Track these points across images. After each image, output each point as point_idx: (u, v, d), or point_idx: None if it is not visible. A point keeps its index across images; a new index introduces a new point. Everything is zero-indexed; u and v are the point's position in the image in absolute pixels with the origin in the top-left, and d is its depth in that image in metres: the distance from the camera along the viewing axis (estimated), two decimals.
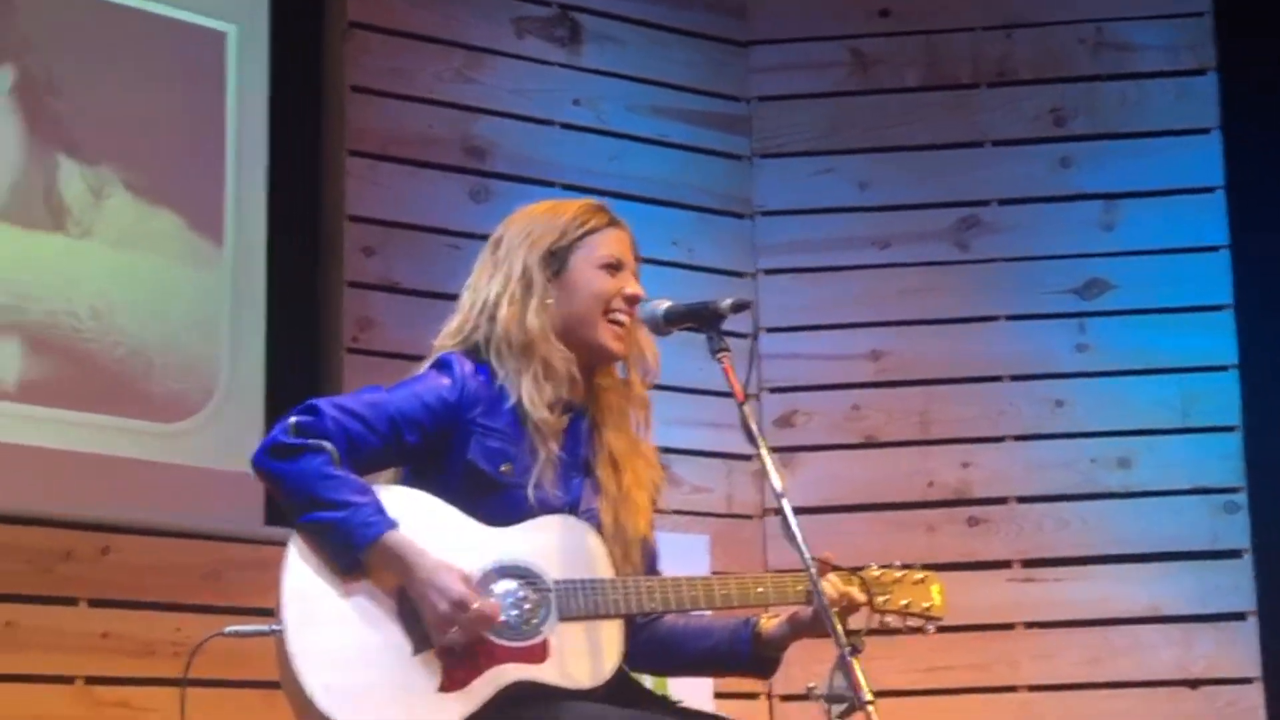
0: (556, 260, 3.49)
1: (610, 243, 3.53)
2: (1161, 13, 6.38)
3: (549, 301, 3.47)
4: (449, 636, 3.20)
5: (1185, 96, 6.32)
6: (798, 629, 3.45)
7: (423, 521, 3.28)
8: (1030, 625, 6.04)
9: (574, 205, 3.59)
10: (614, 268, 3.51)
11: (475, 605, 3.20)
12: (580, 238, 3.51)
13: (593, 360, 3.52)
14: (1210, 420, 6.11)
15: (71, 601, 5.09)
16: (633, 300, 3.51)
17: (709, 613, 3.57)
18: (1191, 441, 6.11)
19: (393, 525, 3.24)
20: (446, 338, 3.56)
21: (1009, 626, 6.03)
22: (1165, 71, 6.36)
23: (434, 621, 3.20)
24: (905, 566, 3.55)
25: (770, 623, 3.48)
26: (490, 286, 3.52)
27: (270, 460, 3.30)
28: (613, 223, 3.57)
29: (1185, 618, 6.00)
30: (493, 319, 3.48)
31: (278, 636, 3.20)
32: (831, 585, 3.36)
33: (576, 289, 3.49)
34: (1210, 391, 6.12)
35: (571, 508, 3.42)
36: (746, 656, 3.51)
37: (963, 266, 6.30)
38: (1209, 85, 6.32)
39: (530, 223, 3.55)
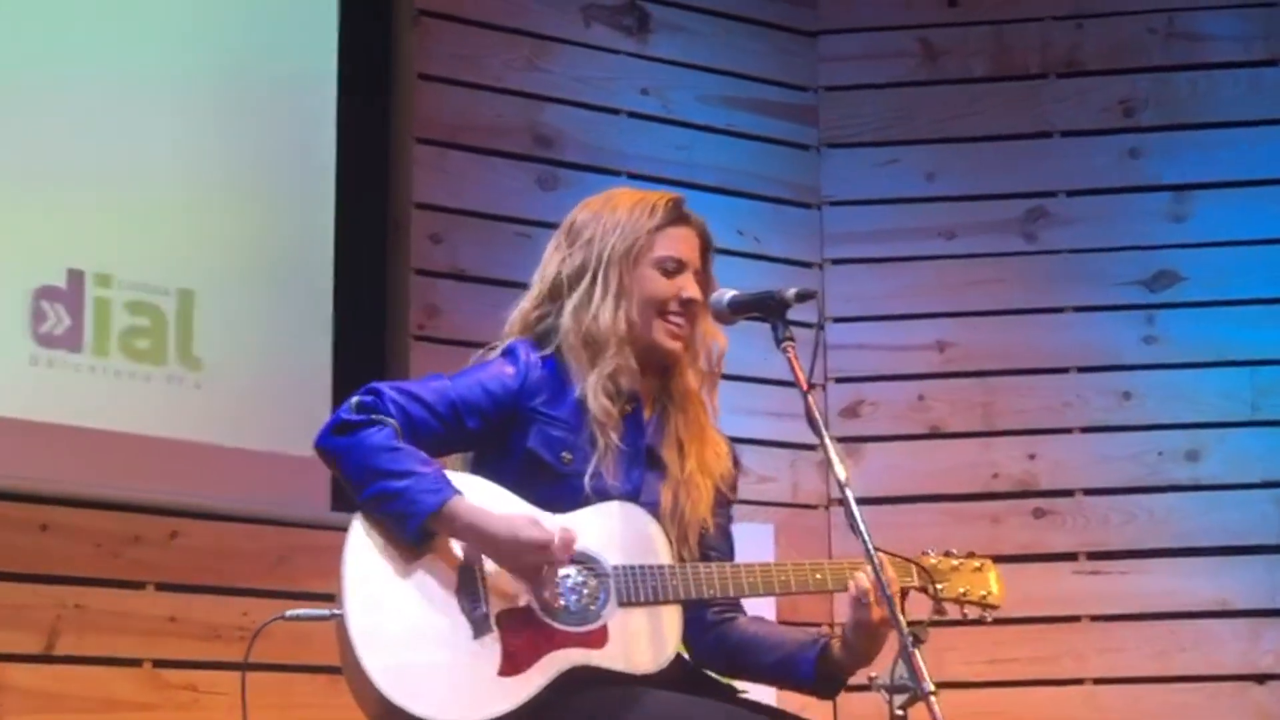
0: (633, 261, 3.50)
1: (671, 242, 3.53)
2: (1232, 3, 6.33)
3: (624, 300, 3.48)
4: (539, 580, 3.23)
5: (1256, 87, 6.28)
6: (852, 645, 3.39)
7: (482, 503, 3.30)
8: (1096, 618, 6.01)
9: (649, 200, 3.57)
10: (671, 270, 3.51)
11: (555, 542, 3.22)
12: (648, 236, 3.52)
13: (652, 358, 3.53)
14: None
15: (139, 585, 5.13)
16: (688, 304, 3.51)
17: (773, 615, 3.56)
18: (1261, 434, 6.06)
19: (458, 492, 3.26)
20: (513, 325, 3.57)
21: (1075, 619, 6.00)
22: (1236, 62, 6.32)
23: (520, 573, 3.24)
24: (965, 554, 3.54)
25: (837, 646, 3.45)
26: (562, 273, 3.53)
27: (332, 438, 3.33)
28: (678, 220, 3.55)
29: (1253, 612, 5.96)
30: (563, 309, 3.50)
31: (338, 620, 3.22)
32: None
33: (636, 290, 3.50)
34: None
35: (631, 497, 3.43)
36: (810, 676, 3.47)
37: (1030, 258, 6.27)
38: None
39: (611, 215, 3.55)
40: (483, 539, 3.26)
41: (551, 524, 3.27)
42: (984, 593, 3.52)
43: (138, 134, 5.31)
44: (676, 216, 3.55)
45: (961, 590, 3.50)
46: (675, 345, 3.52)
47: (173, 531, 5.19)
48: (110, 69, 5.29)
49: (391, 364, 5.68)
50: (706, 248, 3.59)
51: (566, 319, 3.49)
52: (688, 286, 3.52)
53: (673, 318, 3.51)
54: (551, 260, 3.58)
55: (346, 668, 3.24)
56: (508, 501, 3.34)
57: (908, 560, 3.46)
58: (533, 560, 3.23)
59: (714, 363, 3.62)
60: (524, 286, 3.63)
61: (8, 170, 5.08)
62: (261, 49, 5.60)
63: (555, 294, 3.54)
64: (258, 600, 5.18)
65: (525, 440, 3.42)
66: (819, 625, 5.61)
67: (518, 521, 3.25)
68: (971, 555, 3.54)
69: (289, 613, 3.45)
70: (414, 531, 3.25)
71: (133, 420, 5.16)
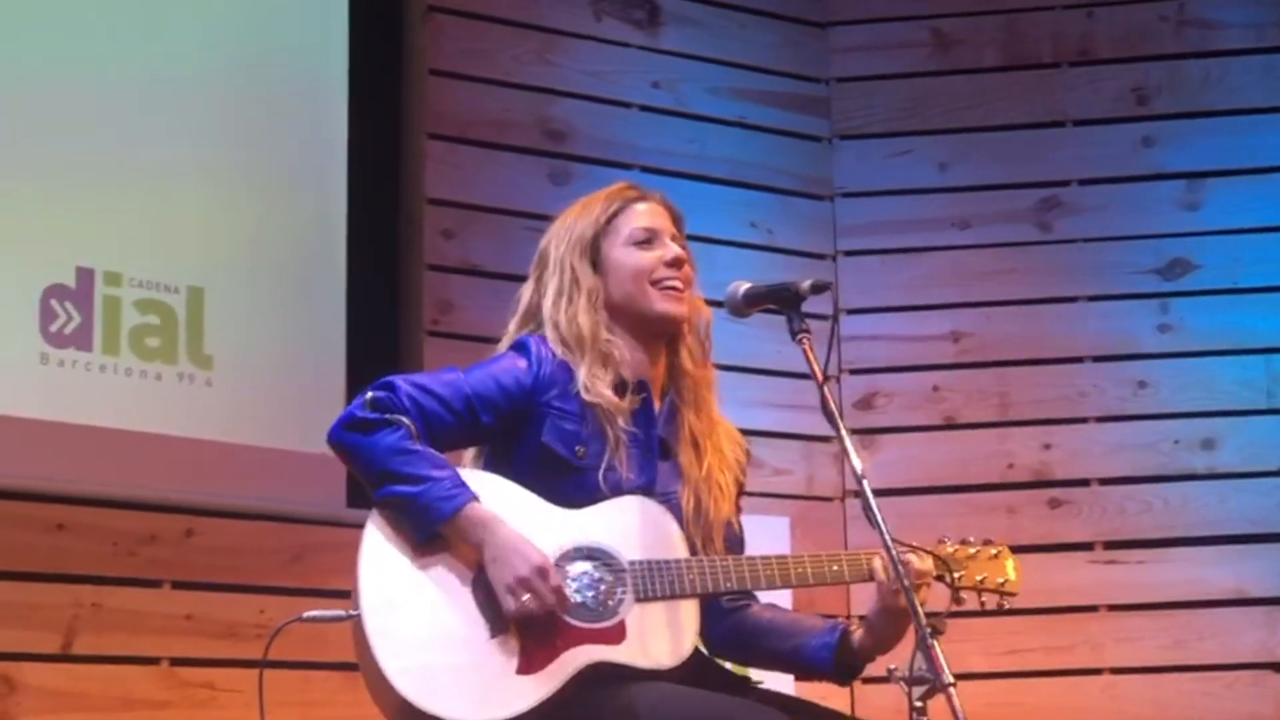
0: (593, 252, 3.52)
1: (636, 217, 3.55)
2: None
3: (598, 295, 3.48)
4: (525, 604, 3.20)
5: (1269, 74, 6.26)
6: (877, 630, 3.40)
7: (497, 504, 3.29)
8: (1113, 608, 5.99)
9: (598, 195, 3.61)
10: (646, 241, 3.53)
11: (553, 577, 3.21)
12: (606, 224, 3.55)
13: (659, 332, 3.53)
14: None
15: (156, 584, 5.13)
16: (676, 263, 3.51)
17: (791, 600, 3.55)
18: (1277, 422, 6.05)
19: (473, 497, 3.26)
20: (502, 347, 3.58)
21: (1092, 609, 5.99)
22: (1248, 49, 6.30)
23: (512, 586, 3.21)
24: (982, 541, 3.53)
25: (857, 632, 3.45)
26: (537, 297, 3.56)
27: (346, 434, 3.33)
28: (639, 198, 3.59)
29: (1270, 600, 5.94)
30: (543, 324, 3.52)
31: (355, 621, 3.22)
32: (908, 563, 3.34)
33: (616, 273, 3.51)
34: None
35: (645, 490, 3.42)
36: (829, 663, 3.47)
37: (1044, 247, 6.25)
38: None
39: (564, 227, 3.60)
40: (489, 547, 3.24)
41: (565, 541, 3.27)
42: (1001, 580, 3.51)
43: (147, 131, 5.32)
44: (632, 197, 3.59)
45: (979, 578, 3.49)
46: (678, 308, 3.52)
47: (188, 530, 5.19)
48: (119, 67, 5.30)
49: (405, 360, 5.68)
50: (676, 217, 3.62)
51: (549, 329, 3.51)
52: (668, 249, 3.53)
53: (666, 282, 3.51)
54: (525, 290, 3.62)
55: (365, 669, 3.23)
56: (524, 501, 3.34)
57: (924, 550, 3.46)
58: (527, 579, 3.20)
59: (704, 335, 3.62)
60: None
61: (16, 168, 5.09)
62: (272, 46, 5.61)
63: (532, 314, 3.57)
64: (274, 598, 5.19)
65: (539, 435, 3.41)
66: (835, 617, 5.59)
67: (527, 544, 3.24)
68: (988, 543, 3.53)
69: (306, 614, 3.44)
70: (426, 538, 3.26)
71: (145, 419, 5.16)
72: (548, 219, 5.73)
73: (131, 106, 5.30)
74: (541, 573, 3.21)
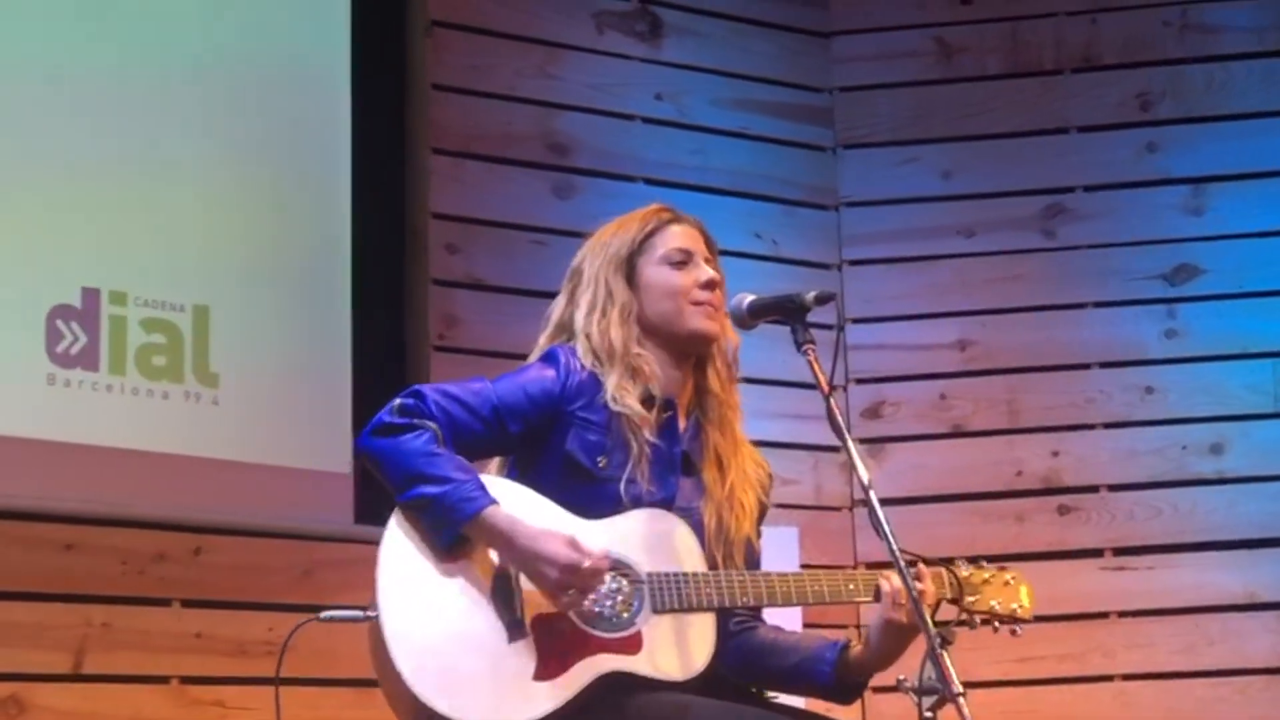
0: (628, 269, 3.54)
1: (672, 238, 3.57)
2: None
3: (631, 310, 3.49)
4: (566, 600, 3.22)
5: (1272, 78, 6.26)
6: (876, 644, 3.38)
7: (518, 512, 3.30)
8: (1124, 614, 5.99)
9: (635, 215, 3.64)
10: (681, 262, 3.55)
11: (586, 565, 3.22)
12: (642, 242, 3.57)
13: (691, 350, 3.55)
14: None
15: (165, 602, 5.13)
16: (710, 285, 3.52)
17: (799, 623, 3.54)
18: None
19: (494, 501, 3.27)
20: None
21: (1103, 615, 5.98)
22: (1252, 53, 6.29)
23: (549, 590, 3.23)
24: (997, 566, 3.52)
25: (857, 647, 3.45)
26: (570, 310, 3.58)
27: (373, 439, 3.36)
28: (674, 219, 3.61)
29: None
30: (575, 334, 3.54)
31: (373, 622, 3.22)
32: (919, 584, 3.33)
33: (651, 290, 3.53)
34: None
35: (666, 504, 3.43)
36: (829, 678, 3.46)
37: (1049, 254, 6.25)
38: None
39: (599, 244, 3.62)
40: (514, 551, 3.26)
41: (589, 545, 3.26)
42: (1015, 606, 3.52)
43: (150, 151, 5.32)
44: (668, 219, 3.61)
45: (992, 604, 3.49)
46: (712, 326, 3.54)
47: (197, 548, 5.19)
48: (121, 84, 5.30)
49: (411, 375, 5.67)
50: (710, 242, 3.63)
51: (580, 341, 3.53)
52: (704, 271, 3.55)
53: (703, 305, 3.52)
54: (557, 305, 3.64)
55: (380, 670, 3.24)
56: (545, 510, 3.35)
57: (939, 567, 3.45)
58: (560, 580, 3.22)
59: (731, 358, 3.63)
60: (541, 295, 3.65)
61: (20, 190, 5.09)
62: (275, 63, 5.61)
63: (564, 327, 3.60)
64: (284, 615, 5.17)
65: (563, 444, 3.43)
66: (845, 628, 5.60)
67: (552, 539, 3.25)
68: (1002, 568, 3.52)
69: (323, 614, 3.45)
70: (449, 539, 3.26)
71: (152, 438, 5.16)
72: (552, 232, 5.77)
73: (134, 127, 5.30)
74: (572, 569, 3.21)
